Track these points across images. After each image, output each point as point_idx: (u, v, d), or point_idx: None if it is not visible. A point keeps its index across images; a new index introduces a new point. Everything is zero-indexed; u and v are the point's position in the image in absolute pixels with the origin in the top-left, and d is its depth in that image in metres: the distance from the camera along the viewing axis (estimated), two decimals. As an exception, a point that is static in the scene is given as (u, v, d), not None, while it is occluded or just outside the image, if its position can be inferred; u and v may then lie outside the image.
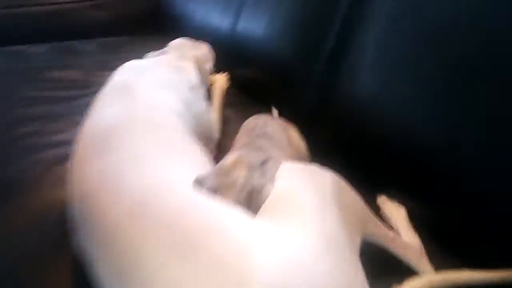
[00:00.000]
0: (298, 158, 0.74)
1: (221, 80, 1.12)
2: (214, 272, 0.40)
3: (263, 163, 0.58)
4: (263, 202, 0.52)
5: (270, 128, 0.74)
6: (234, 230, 0.44)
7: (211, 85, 1.08)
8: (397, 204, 0.73)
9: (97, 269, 0.47)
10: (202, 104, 0.86)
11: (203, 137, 0.77)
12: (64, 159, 0.74)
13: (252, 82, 1.16)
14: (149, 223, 0.44)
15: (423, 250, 0.63)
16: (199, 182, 0.54)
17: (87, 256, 0.49)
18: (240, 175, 0.55)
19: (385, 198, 0.75)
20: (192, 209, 0.46)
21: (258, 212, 0.51)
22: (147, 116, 0.64)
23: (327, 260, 0.45)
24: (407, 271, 0.61)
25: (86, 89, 1.13)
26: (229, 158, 0.57)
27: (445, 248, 0.64)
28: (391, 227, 0.67)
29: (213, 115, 0.94)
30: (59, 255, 0.59)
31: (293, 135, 0.79)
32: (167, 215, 0.45)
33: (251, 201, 0.53)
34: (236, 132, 0.77)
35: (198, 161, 0.62)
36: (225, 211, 0.48)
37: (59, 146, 0.84)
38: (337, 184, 0.58)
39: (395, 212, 0.71)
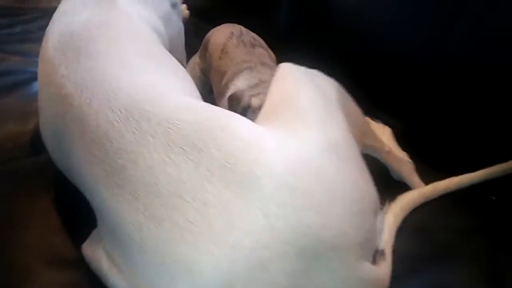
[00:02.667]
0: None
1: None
2: (219, 170, 0.38)
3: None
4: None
5: (254, 34, 0.72)
6: (238, 129, 0.42)
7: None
8: (382, 124, 0.73)
9: (87, 177, 0.44)
10: (179, 24, 0.79)
11: None
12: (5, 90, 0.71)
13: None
14: (146, 124, 0.42)
15: (413, 165, 0.65)
16: None
17: (74, 166, 0.47)
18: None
19: (369, 119, 0.74)
20: (191, 110, 0.44)
21: (258, 115, 0.50)
22: (127, 26, 0.59)
23: (333, 158, 0.45)
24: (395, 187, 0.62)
25: (20, 16, 0.99)
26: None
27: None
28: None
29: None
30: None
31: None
32: (165, 116, 0.42)
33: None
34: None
35: (183, 76, 0.58)
36: (225, 113, 0.45)
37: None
38: (340, 91, 0.57)
39: (381, 131, 0.72)
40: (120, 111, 0.43)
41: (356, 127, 0.55)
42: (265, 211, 0.37)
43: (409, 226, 0.56)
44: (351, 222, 0.41)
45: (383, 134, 0.72)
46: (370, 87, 0.79)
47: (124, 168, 0.40)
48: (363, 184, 0.46)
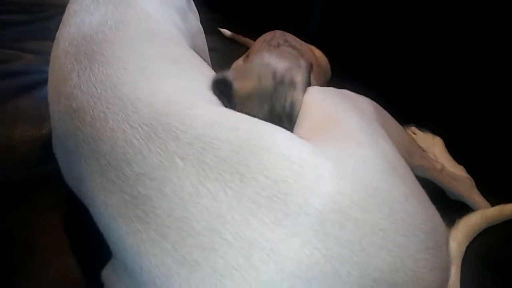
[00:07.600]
0: (324, 73, 0.68)
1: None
2: (268, 201, 0.32)
3: (288, 70, 0.47)
4: (294, 118, 0.44)
5: (290, 38, 0.67)
6: (287, 148, 0.35)
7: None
8: (431, 134, 0.65)
9: (102, 207, 0.37)
10: (196, 18, 0.72)
11: None
12: (20, 91, 0.66)
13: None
14: (174, 144, 0.35)
15: (473, 181, 0.56)
16: (216, 83, 0.44)
17: (87, 192, 0.39)
18: (265, 83, 0.45)
19: (416, 128, 0.66)
20: (229, 125, 0.37)
21: (298, 132, 0.42)
22: (146, 25, 0.51)
23: (398, 182, 0.37)
24: (454, 206, 0.54)
25: (39, 13, 0.96)
26: (253, 61, 0.46)
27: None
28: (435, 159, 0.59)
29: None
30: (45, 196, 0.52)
31: (314, 49, 0.70)
32: (196, 133, 0.36)
33: (278, 117, 0.45)
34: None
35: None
36: (269, 128, 0.38)
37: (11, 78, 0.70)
38: (379, 110, 0.50)
39: (431, 142, 0.64)
40: (141, 127, 0.36)
41: (400, 146, 0.48)
42: (327, 253, 0.30)
43: (473, 258, 0.47)
44: (427, 262, 0.33)
45: (433, 146, 0.64)
46: (401, 99, 0.71)
47: (147, 199, 0.34)
48: (431, 210, 0.38)
